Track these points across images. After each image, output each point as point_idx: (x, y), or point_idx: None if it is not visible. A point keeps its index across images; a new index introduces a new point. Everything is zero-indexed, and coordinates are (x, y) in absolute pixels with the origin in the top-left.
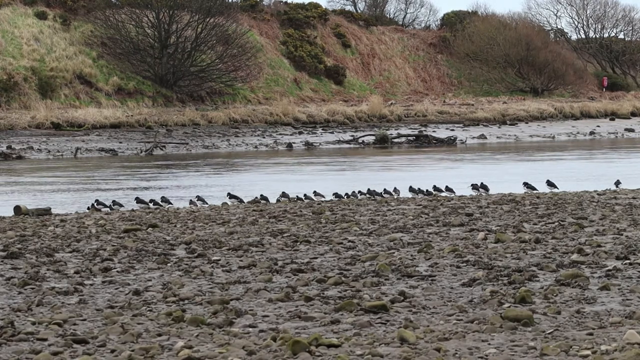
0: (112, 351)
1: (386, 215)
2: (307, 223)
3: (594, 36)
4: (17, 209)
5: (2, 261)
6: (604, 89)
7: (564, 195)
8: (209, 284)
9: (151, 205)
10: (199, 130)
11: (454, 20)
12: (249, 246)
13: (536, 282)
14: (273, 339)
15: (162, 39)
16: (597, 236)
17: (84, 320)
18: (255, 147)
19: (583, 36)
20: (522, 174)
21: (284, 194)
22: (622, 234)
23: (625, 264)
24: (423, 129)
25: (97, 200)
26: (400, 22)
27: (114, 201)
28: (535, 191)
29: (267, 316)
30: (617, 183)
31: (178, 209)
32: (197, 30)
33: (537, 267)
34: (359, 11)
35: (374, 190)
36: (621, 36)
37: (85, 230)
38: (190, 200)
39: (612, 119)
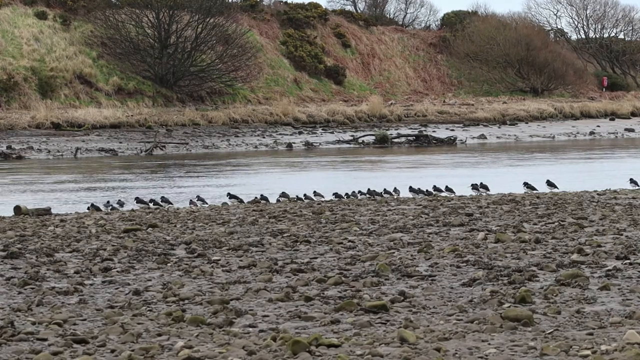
0: (112, 351)
1: (386, 215)
2: (307, 223)
3: (594, 36)
4: (17, 209)
5: (2, 261)
6: (604, 89)
7: (564, 195)
8: (209, 284)
9: (151, 205)
10: (199, 130)
11: (454, 20)
12: (249, 246)
13: (536, 282)
14: (273, 339)
15: (162, 39)
16: (597, 236)
17: (84, 320)
18: (255, 147)
19: (583, 36)
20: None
21: (283, 194)
22: (622, 234)
23: (625, 264)
24: (423, 129)
25: (92, 204)
26: (400, 22)
27: (108, 202)
28: (535, 191)
29: (267, 316)
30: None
31: (178, 209)
32: (197, 30)
33: (537, 267)
34: (359, 11)
35: (374, 190)
36: (621, 36)
37: (85, 230)
38: (190, 200)
39: (612, 119)
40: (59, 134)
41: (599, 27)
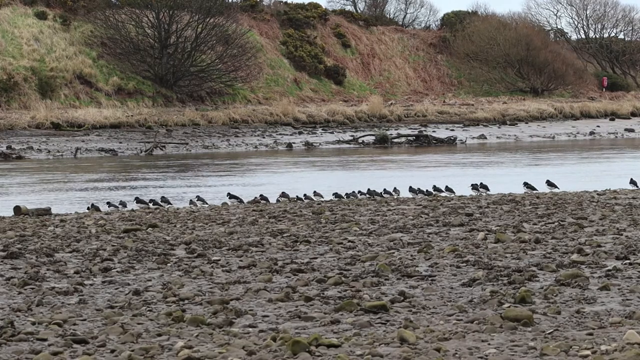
0: (112, 351)
1: (386, 215)
2: (307, 223)
3: (594, 36)
4: (17, 209)
5: (2, 261)
6: (604, 89)
7: (564, 195)
8: (209, 284)
9: (151, 205)
10: (199, 130)
11: (454, 21)
12: (249, 246)
13: (536, 282)
14: (273, 339)
15: (162, 39)
16: (597, 236)
17: (84, 320)
18: (255, 147)
19: (583, 36)
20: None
21: (283, 194)
22: (622, 234)
23: (625, 264)
24: (423, 129)
25: (92, 204)
26: (400, 22)
27: (109, 202)
28: (535, 191)
29: (267, 316)
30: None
31: (178, 209)
32: (197, 30)
33: (537, 267)
34: (359, 11)
35: (374, 190)
36: (621, 36)
37: (85, 230)
38: (190, 200)
39: (612, 119)
40: (59, 134)
41: (599, 27)
